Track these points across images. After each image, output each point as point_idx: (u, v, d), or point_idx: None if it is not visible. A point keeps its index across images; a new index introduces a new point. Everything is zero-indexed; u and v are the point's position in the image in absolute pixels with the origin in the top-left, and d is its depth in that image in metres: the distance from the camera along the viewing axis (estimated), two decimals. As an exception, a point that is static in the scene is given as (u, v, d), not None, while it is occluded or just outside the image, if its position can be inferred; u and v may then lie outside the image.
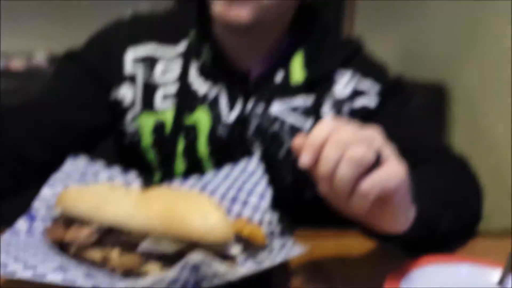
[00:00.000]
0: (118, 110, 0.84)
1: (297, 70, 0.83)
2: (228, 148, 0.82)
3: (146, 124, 0.84)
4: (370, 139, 0.51)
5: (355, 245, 0.71)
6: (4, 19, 3.16)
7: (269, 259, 0.57)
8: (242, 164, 0.76)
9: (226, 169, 0.76)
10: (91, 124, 0.83)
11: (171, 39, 0.85)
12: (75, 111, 0.82)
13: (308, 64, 0.83)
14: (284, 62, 0.84)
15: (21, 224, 0.58)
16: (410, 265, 0.59)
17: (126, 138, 0.85)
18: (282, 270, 0.62)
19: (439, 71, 1.69)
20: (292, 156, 0.83)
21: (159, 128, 0.83)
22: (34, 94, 0.84)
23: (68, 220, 0.58)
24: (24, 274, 0.45)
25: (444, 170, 0.78)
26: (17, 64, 2.99)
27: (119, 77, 0.84)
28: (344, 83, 0.85)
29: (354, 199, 0.50)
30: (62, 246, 0.57)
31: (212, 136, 0.83)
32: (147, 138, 0.84)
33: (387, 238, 0.59)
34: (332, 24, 0.93)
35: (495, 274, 0.59)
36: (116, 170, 0.75)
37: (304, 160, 0.51)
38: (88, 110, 0.84)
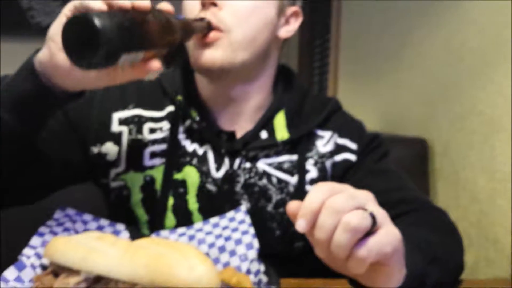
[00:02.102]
0: (101, 164, 0.85)
1: (281, 129, 0.87)
2: (217, 202, 0.84)
3: (135, 181, 0.84)
4: (363, 203, 0.52)
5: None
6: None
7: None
8: (229, 214, 0.77)
9: (214, 219, 0.77)
10: (65, 159, 0.81)
11: (157, 105, 0.88)
12: (54, 144, 0.80)
13: (290, 124, 0.87)
14: (268, 122, 0.87)
15: (10, 272, 0.58)
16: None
17: (112, 194, 0.86)
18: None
19: (420, 128, 1.75)
20: (280, 210, 0.85)
21: (148, 184, 0.84)
22: None
23: (56, 269, 0.58)
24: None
25: (426, 223, 0.80)
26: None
27: (103, 134, 0.85)
28: (325, 141, 0.89)
29: (350, 263, 0.51)
30: (49, 296, 0.58)
31: (201, 191, 0.84)
32: (136, 195, 0.84)
33: None
34: (308, 86, 0.97)
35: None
36: (104, 221, 0.76)
37: (300, 225, 0.51)
38: (66, 148, 0.82)
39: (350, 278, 0.62)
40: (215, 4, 0.78)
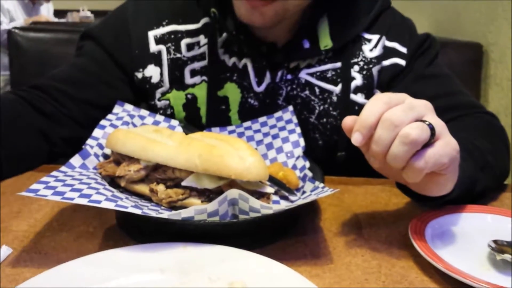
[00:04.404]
0: (146, 87, 0.86)
1: (324, 37, 0.82)
2: (259, 117, 0.83)
3: (177, 100, 0.85)
4: (422, 114, 0.51)
5: (384, 191, 0.74)
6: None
7: (301, 199, 0.61)
8: (277, 114, 0.79)
9: (263, 118, 0.80)
10: (114, 100, 0.80)
11: (191, 19, 0.85)
12: (98, 88, 0.84)
13: (334, 31, 0.82)
14: (311, 30, 0.83)
15: (76, 159, 0.64)
16: (435, 212, 0.62)
17: (158, 113, 0.87)
18: (312, 208, 0.66)
19: (475, 31, 1.66)
20: (323, 120, 0.85)
21: (191, 102, 0.85)
22: (60, 70, 0.86)
23: (118, 158, 0.63)
24: (80, 201, 0.51)
25: (477, 128, 0.79)
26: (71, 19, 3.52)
27: (143, 57, 0.85)
28: (372, 45, 0.85)
29: (406, 173, 0.51)
30: (112, 181, 0.63)
31: (243, 106, 0.84)
32: (180, 113, 0.86)
33: (425, 199, 0.60)
34: None
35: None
36: (160, 116, 0.80)
37: (357, 139, 0.51)
38: (111, 87, 0.85)
39: (401, 186, 0.63)
40: None
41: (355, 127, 0.51)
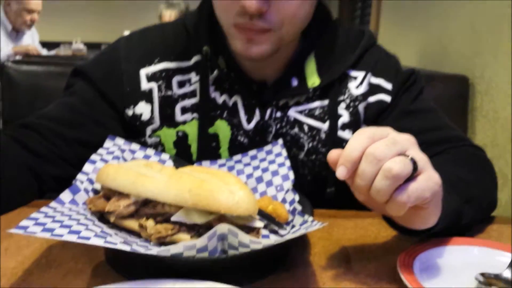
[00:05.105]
0: (137, 124, 0.86)
1: (312, 75, 0.84)
2: None
3: (168, 137, 0.86)
4: (405, 148, 0.52)
5: (373, 224, 0.74)
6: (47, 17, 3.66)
7: (290, 234, 0.61)
8: (267, 147, 0.80)
9: (253, 151, 0.81)
10: (105, 139, 0.78)
11: (183, 56, 0.86)
12: (89, 128, 0.84)
13: (321, 69, 0.84)
14: (298, 68, 0.84)
15: (65, 195, 0.64)
16: (423, 245, 0.62)
17: None
18: (302, 242, 0.66)
19: (462, 64, 1.70)
20: (312, 157, 0.86)
21: (181, 139, 0.85)
22: (50, 109, 0.86)
23: (108, 193, 0.63)
24: (69, 237, 0.51)
25: (463, 160, 0.80)
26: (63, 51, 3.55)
27: (134, 95, 0.85)
28: (358, 82, 0.86)
29: (390, 206, 0.52)
30: (102, 216, 0.63)
31: (233, 143, 0.85)
32: (170, 150, 0.86)
33: (411, 231, 0.61)
34: (340, 22, 0.90)
35: (507, 256, 0.61)
36: (151, 150, 0.80)
37: (341, 173, 0.52)
38: (102, 126, 0.85)
39: (386, 218, 0.64)
40: (263, 11, 0.71)
41: (339, 161, 0.52)
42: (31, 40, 3.92)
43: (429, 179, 0.52)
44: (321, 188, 0.86)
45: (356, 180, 0.52)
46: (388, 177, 0.49)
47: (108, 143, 0.77)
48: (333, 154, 0.54)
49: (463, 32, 1.74)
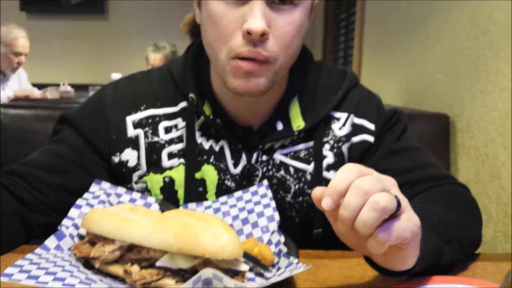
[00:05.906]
0: (123, 171, 0.87)
1: (296, 118, 0.86)
2: None
3: (154, 183, 0.86)
4: (389, 187, 0.54)
5: (359, 264, 0.74)
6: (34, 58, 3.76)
7: (275, 276, 0.61)
8: (252, 188, 0.81)
9: (238, 193, 0.81)
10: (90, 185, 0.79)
11: (169, 102, 0.87)
12: (75, 175, 0.84)
13: (305, 112, 0.86)
14: (283, 111, 0.86)
15: (51, 241, 0.64)
16: (408, 285, 0.62)
17: None
18: (287, 285, 0.66)
19: (442, 103, 1.74)
20: (299, 199, 0.87)
21: (168, 185, 0.86)
22: (37, 156, 0.86)
23: (93, 238, 0.64)
24: (54, 284, 0.51)
25: (445, 199, 0.80)
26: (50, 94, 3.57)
27: (120, 142, 0.86)
28: (341, 124, 0.88)
29: (370, 243, 0.53)
30: (87, 262, 0.63)
31: (221, 188, 0.85)
32: (157, 196, 0.86)
33: (391, 272, 0.61)
34: (321, 61, 0.93)
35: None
36: (136, 194, 0.81)
37: (327, 204, 0.53)
38: (88, 173, 0.85)
39: (366, 256, 0.64)
40: (266, 32, 0.72)
41: (325, 193, 0.53)
42: (18, 82, 3.91)
43: (410, 220, 0.54)
44: (308, 229, 0.87)
45: (340, 211, 0.53)
46: (375, 209, 0.50)
47: (94, 187, 0.78)
48: (318, 191, 0.55)
49: (442, 71, 1.80)
